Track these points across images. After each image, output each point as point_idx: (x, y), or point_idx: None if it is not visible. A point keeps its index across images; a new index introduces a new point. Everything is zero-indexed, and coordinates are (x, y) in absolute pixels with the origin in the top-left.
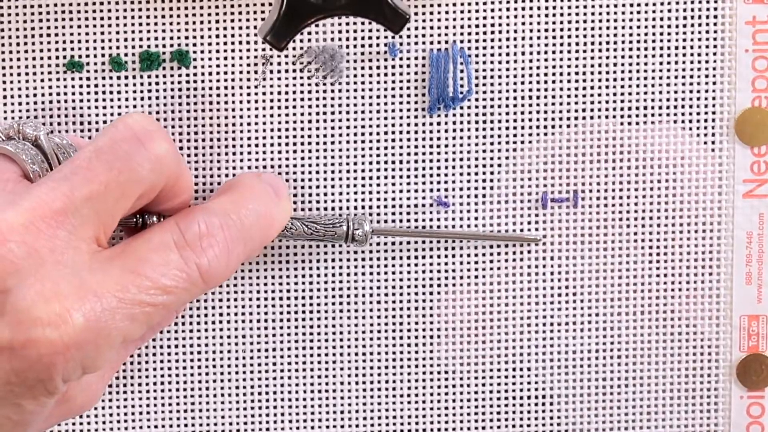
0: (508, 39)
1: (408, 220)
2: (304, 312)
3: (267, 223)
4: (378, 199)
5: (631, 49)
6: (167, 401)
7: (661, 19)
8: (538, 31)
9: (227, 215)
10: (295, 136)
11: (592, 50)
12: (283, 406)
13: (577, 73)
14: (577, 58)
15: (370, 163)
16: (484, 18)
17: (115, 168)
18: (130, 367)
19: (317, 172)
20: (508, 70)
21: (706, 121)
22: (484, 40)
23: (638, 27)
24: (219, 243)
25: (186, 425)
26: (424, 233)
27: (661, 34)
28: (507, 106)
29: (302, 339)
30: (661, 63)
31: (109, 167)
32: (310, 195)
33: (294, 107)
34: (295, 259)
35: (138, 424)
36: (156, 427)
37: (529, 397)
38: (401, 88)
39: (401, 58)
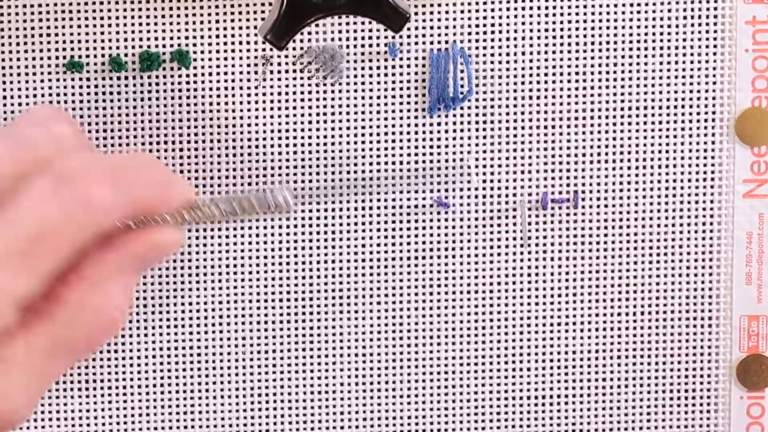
0: (508, 39)
1: (408, 221)
2: (303, 313)
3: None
4: (378, 200)
5: (631, 49)
6: (167, 402)
7: (661, 19)
8: (538, 31)
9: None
10: (295, 137)
11: (592, 50)
12: (283, 407)
13: (577, 73)
14: (577, 58)
15: (370, 163)
16: (484, 18)
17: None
18: (130, 369)
19: (317, 173)
20: (508, 70)
21: (706, 121)
22: (484, 40)
23: (638, 27)
24: (97, 178)
25: (186, 426)
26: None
27: (661, 34)
28: (507, 106)
29: (302, 340)
30: (661, 63)
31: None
32: (310, 195)
33: (294, 107)
34: (295, 261)
35: (138, 425)
36: (156, 428)
37: (528, 398)
38: (401, 88)
39: (401, 58)
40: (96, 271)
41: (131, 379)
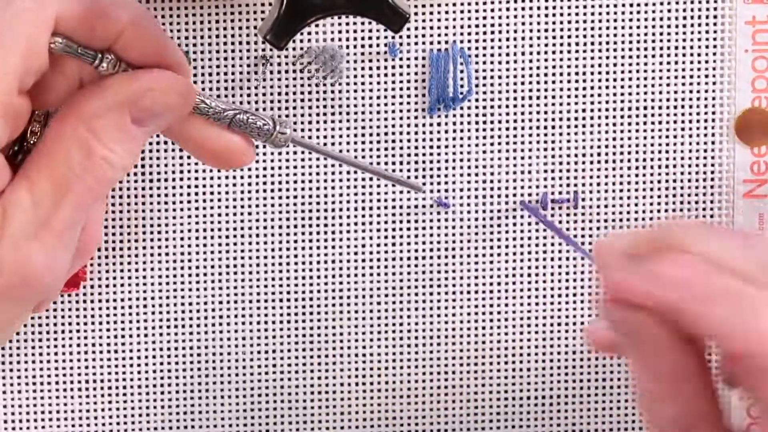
0: (508, 39)
1: (408, 221)
2: (303, 313)
3: None
4: (378, 200)
5: (631, 49)
6: (167, 402)
7: (661, 19)
8: (538, 31)
9: None
10: None
11: (592, 50)
12: (283, 407)
13: (577, 73)
14: (577, 58)
15: (370, 163)
16: (484, 18)
17: None
18: (130, 369)
19: (317, 173)
20: (508, 70)
21: (706, 121)
22: (484, 40)
23: (638, 27)
24: None
25: (186, 426)
26: (338, 157)
27: (661, 34)
28: (507, 106)
29: (302, 340)
30: (661, 63)
31: None
32: (310, 196)
33: (294, 107)
34: (294, 261)
35: (138, 425)
36: (156, 428)
37: (528, 397)
38: (401, 88)
39: (401, 58)
40: (86, 103)
41: (131, 379)
